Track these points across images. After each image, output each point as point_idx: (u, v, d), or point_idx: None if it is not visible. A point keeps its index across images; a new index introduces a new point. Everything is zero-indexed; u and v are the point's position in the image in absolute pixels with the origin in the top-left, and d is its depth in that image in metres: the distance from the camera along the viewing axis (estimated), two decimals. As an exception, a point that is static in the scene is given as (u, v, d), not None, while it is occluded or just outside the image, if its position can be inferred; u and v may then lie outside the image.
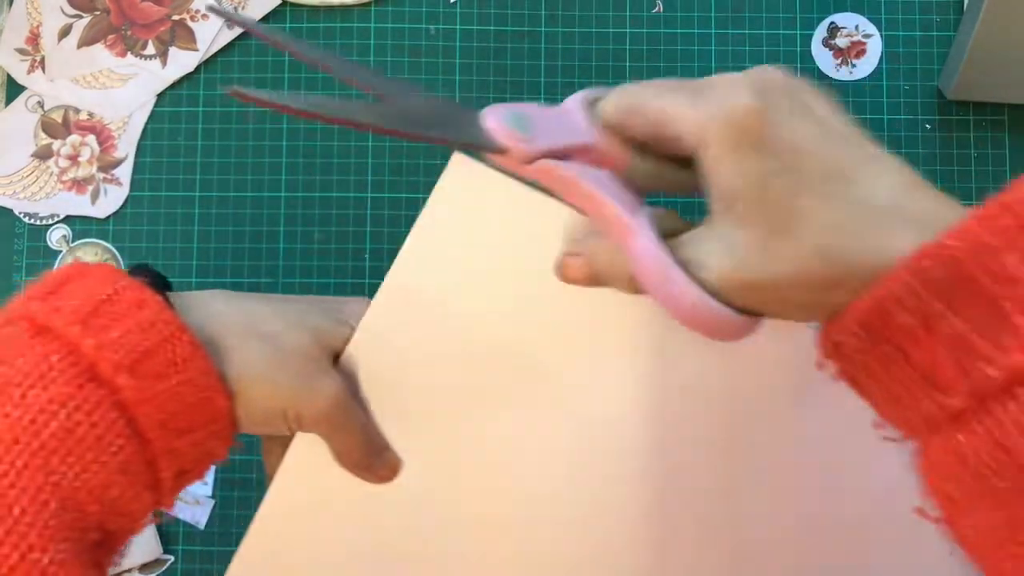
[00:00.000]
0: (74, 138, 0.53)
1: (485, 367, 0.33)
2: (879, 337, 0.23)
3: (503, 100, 0.29)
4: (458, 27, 0.52)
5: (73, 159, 0.53)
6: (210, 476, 0.49)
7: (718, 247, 0.25)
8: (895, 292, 0.22)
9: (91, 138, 0.53)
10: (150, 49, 0.53)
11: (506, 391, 0.33)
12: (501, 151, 0.28)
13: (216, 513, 0.50)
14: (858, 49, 0.51)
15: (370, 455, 0.33)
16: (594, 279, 0.30)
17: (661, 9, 0.51)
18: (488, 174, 0.32)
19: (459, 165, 0.33)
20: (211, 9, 0.50)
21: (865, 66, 0.51)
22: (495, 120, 0.28)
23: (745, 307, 0.26)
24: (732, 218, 0.25)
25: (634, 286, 0.28)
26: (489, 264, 0.33)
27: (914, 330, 0.22)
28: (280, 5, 0.52)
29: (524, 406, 0.33)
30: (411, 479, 0.34)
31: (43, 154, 0.53)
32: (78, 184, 0.52)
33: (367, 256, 0.50)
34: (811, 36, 0.51)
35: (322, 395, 0.32)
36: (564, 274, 0.31)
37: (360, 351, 0.34)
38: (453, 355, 0.34)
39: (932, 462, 0.23)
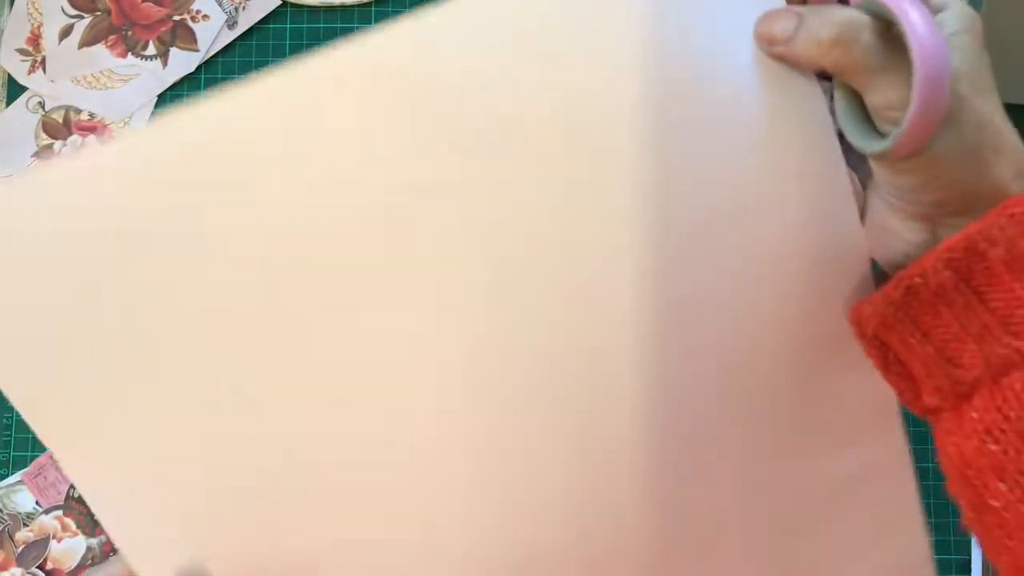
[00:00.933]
0: (75, 138, 0.53)
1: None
2: (963, 278, 0.24)
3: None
4: (458, 27, 0.52)
5: (74, 159, 0.53)
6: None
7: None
8: (988, 231, 0.24)
9: (92, 138, 0.53)
10: (151, 49, 0.53)
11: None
12: None
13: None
14: (858, 49, 0.51)
15: None
16: (793, 37, 0.27)
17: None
18: None
19: None
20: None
21: (865, 66, 0.51)
22: None
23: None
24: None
25: (827, 48, 0.25)
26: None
27: (998, 270, 0.24)
28: (280, 6, 0.52)
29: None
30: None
31: (44, 154, 0.53)
32: (79, 184, 0.53)
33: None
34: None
35: None
36: (768, 25, 0.27)
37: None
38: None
39: (973, 421, 0.25)
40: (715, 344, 0.30)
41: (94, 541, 0.52)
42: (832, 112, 0.28)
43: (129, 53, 0.53)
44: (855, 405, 0.31)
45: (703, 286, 0.29)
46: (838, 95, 0.27)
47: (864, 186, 0.29)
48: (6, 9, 0.53)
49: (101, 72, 0.53)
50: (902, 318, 0.26)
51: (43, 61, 0.53)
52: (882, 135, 0.26)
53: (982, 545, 0.27)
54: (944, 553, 0.53)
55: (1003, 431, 0.24)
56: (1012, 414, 0.24)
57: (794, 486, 0.31)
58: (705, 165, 0.28)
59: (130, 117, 0.52)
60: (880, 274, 0.29)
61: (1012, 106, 0.53)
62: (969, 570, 0.52)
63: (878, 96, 0.25)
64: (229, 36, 0.52)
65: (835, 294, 0.29)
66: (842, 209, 0.29)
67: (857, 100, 0.27)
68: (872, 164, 0.27)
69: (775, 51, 0.27)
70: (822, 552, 0.32)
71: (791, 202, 0.29)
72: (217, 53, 0.52)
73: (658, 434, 0.30)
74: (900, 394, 0.28)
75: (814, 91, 0.28)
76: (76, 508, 0.53)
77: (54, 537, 0.53)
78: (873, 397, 0.30)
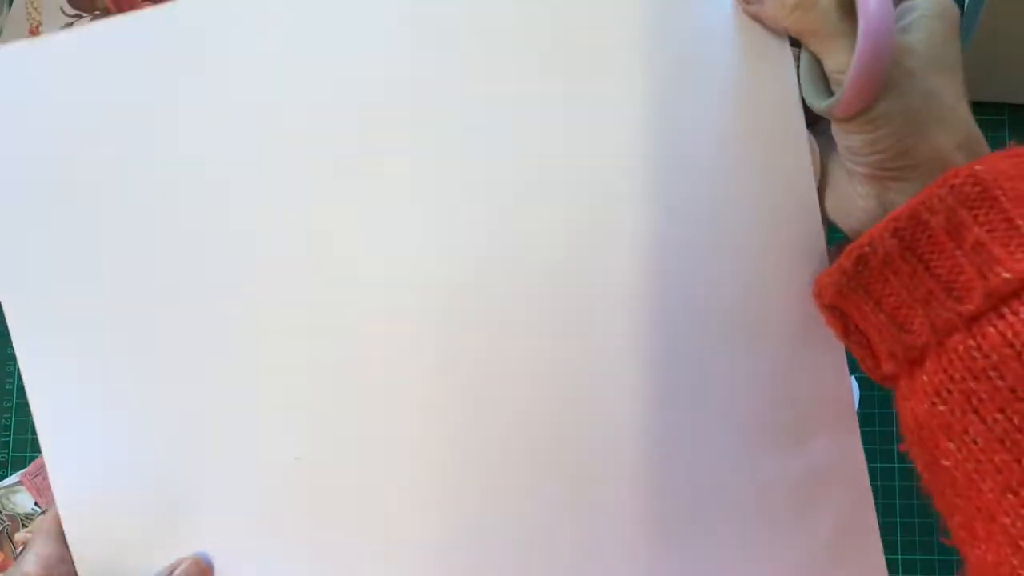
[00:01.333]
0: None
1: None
2: (908, 246, 0.26)
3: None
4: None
5: (73, 159, 0.53)
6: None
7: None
8: (930, 201, 0.25)
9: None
10: (150, 49, 0.53)
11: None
12: None
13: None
14: (858, 49, 0.51)
15: None
16: None
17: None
18: None
19: None
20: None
21: (865, 66, 0.50)
22: None
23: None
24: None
25: (790, 9, 0.28)
26: None
27: (940, 238, 0.25)
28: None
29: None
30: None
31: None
32: (78, 184, 0.52)
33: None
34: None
35: None
36: None
37: None
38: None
39: (924, 384, 0.26)
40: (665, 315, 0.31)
41: (93, 541, 0.52)
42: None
43: (128, 53, 0.53)
44: (812, 402, 0.32)
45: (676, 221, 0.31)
46: (803, 60, 0.30)
47: (828, 157, 0.31)
48: (5, 8, 0.53)
49: (100, 72, 0.53)
50: (855, 287, 0.28)
51: (42, 61, 0.53)
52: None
53: (938, 508, 0.28)
54: (947, 554, 0.53)
55: (949, 391, 0.25)
56: (956, 375, 0.25)
57: (751, 483, 0.32)
58: (685, 108, 0.31)
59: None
60: (836, 246, 0.31)
61: (1012, 106, 0.53)
62: (969, 571, 0.52)
63: (832, 60, 0.28)
64: (228, 36, 0.52)
65: (789, 278, 0.31)
66: (798, 165, 0.31)
67: (819, 66, 0.29)
68: (832, 128, 0.29)
69: (750, 10, 0.30)
70: (784, 553, 0.32)
71: (751, 144, 0.31)
72: (216, 53, 0.52)
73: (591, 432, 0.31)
74: (861, 362, 0.30)
75: (786, 56, 0.31)
76: (75, 508, 0.53)
77: (53, 537, 0.53)
78: (829, 395, 0.32)
